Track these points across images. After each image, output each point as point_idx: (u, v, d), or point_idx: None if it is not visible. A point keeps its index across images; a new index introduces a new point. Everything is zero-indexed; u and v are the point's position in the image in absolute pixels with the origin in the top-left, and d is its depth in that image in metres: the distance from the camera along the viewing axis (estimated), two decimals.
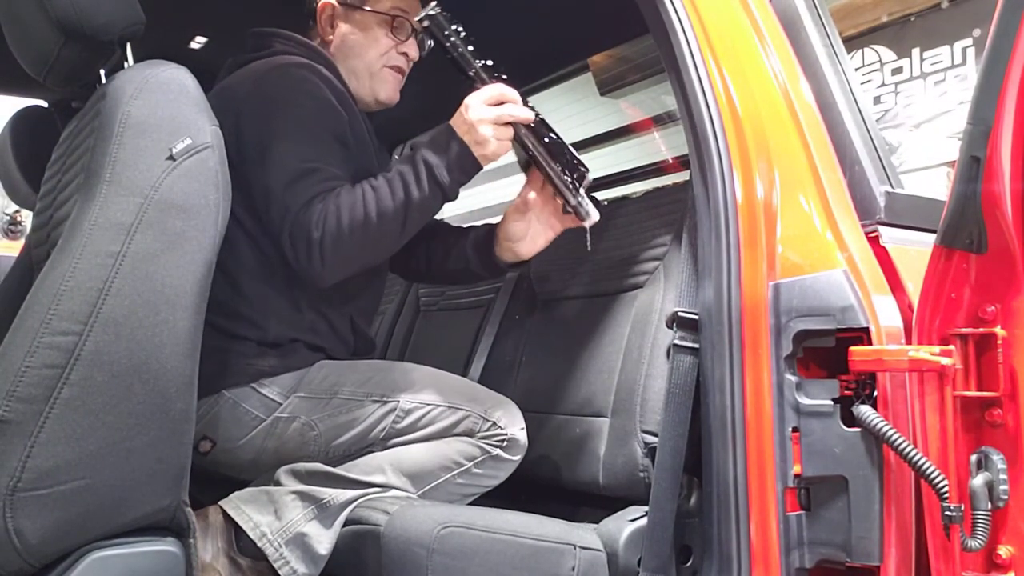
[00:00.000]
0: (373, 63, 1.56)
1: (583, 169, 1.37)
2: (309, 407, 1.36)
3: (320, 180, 1.33)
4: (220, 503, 1.31)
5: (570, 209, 1.39)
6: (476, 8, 1.85)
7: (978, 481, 1.04)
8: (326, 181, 1.33)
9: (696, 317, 1.28)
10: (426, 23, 1.36)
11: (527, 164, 1.43)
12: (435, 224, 1.65)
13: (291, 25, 1.57)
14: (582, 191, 1.38)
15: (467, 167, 1.34)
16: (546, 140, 1.37)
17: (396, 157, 2.66)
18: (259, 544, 1.26)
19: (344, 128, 1.42)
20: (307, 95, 1.39)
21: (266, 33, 1.54)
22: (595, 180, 2.24)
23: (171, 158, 1.01)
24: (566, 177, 1.37)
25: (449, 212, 1.69)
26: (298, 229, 1.29)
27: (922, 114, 3.87)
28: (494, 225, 1.52)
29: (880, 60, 4.03)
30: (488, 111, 1.32)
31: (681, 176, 1.82)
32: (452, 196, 1.35)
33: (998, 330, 1.05)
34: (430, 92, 2.33)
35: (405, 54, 1.59)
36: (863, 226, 1.24)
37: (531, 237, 1.47)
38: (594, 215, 1.40)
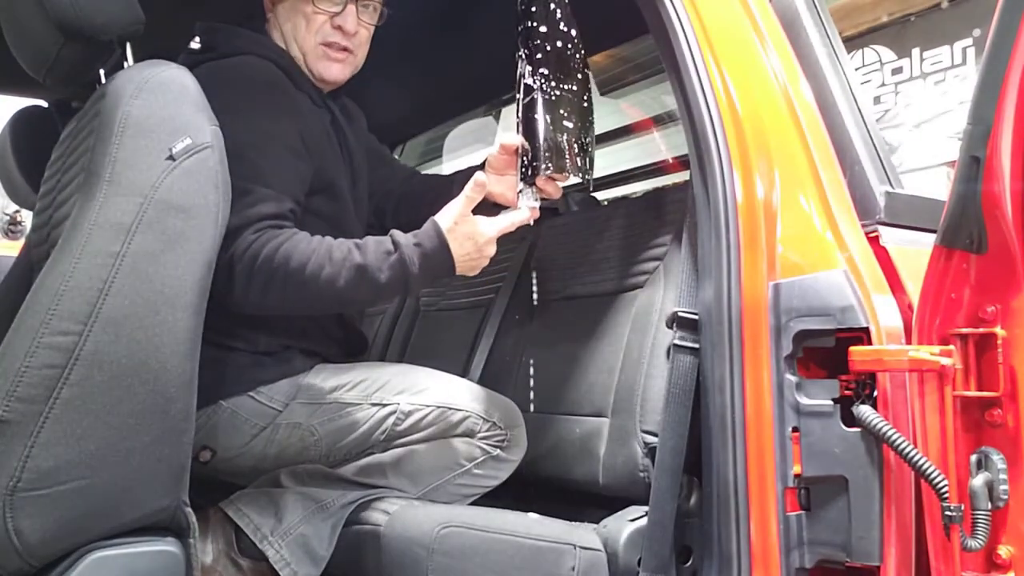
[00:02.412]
0: (305, 42, 1.46)
1: (536, 164, 1.33)
2: (309, 412, 1.35)
3: (261, 201, 1.26)
4: (220, 504, 1.31)
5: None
6: (477, 8, 1.86)
7: (978, 481, 1.04)
8: (268, 203, 1.27)
9: (696, 317, 1.28)
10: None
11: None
12: (424, 179, 1.72)
13: None
14: (531, 185, 1.36)
15: (441, 276, 1.30)
16: (535, 117, 1.34)
17: (396, 156, 2.66)
18: (260, 545, 1.26)
19: (294, 137, 1.35)
20: (252, 106, 1.32)
21: (213, 29, 1.46)
22: (596, 180, 2.25)
23: (171, 158, 1.01)
24: (525, 159, 1.37)
25: None
26: (233, 252, 1.22)
27: (922, 114, 3.87)
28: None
29: (880, 60, 4.02)
30: (496, 232, 1.30)
31: (681, 176, 1.83)
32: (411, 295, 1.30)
33: (998, 330, 1.05)
34: (430, 91, 2.33)
35: (340, 27, 1.46)
36: (863, 226, 1.24)
37: (507, 180, 1.44)
38: (522, 204, 1.36)
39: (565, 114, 1.38)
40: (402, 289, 1.29)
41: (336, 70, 1.48)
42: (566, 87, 1.40)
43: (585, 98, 1.43)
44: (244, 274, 1.23)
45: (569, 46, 1.41)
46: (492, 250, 1.30)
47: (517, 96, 1.40)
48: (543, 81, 1.36)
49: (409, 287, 1.28)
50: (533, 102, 1.36)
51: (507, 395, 1.48)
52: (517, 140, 1.39)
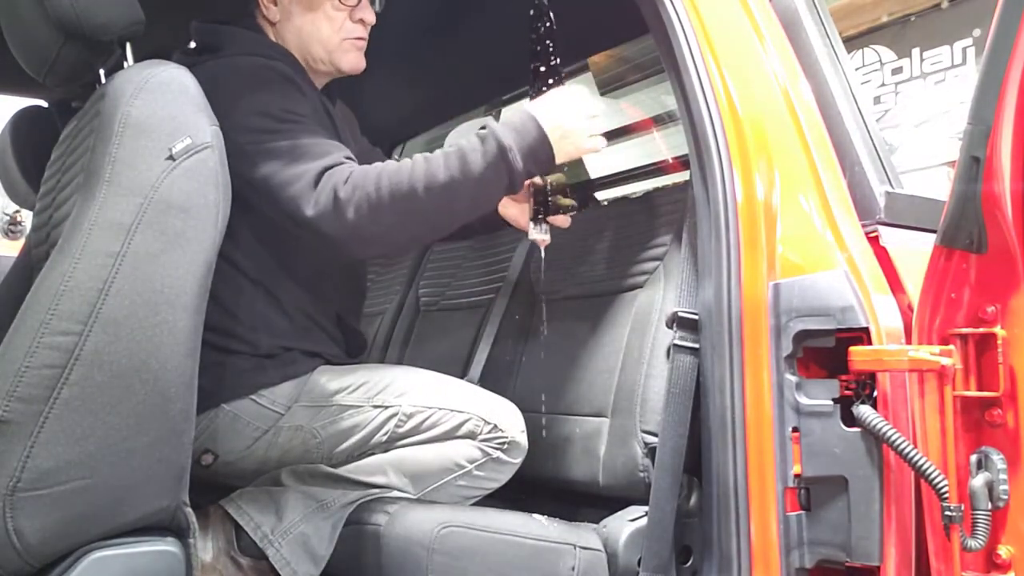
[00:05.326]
0: (329, 40, 1.47)
1: (542, 217, 1.42)
2: (310, 415, 1.35)
3: (325, 152, 1.28)
4: (221, 503, 1.31)
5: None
6: (476, 9, 1.86)
7: (978, 481, 1.05)
8: (332, 153, 1.29)
9: (696, 317, 1.28)
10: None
11: None
12: None
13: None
14: (541, 224, 1.43)
15: (543, 162, 1.29)
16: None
17: (396, 158, 2.66)
18: (260, 544, 1.26)
19: (317, 121, 1.37)
20: (275, 94, 1.33)
21: (210, 29, 1.45)
22: (596, 180, 2.26)
23: (171, 158, 1.01)
24: (536, 198, 1.43)
25: None
26: (324, 191, 1.23)
27: (922, 114, 3.88)
28: None
29: (880, 60, 4.03)
30: (589, 124, 1.32)
31: (681, 176, 1.83)
32: (517, 187, 1.29)
33: (998, 330, 1.05)
34: (431, 91, 2.33)
35: (361, 20, 1.49)
36: (863, 226, 1.24)
37: (520, 207, 1.55)
38: (533, 235, 1.43)
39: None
40: (505, 175, 1.26)
41: (359, 60, 1.52)
42: None
43: None
44: (346, 208, 1.22)
45: None
46: (589, 124, 1.31)
47: None
48: None
49: (512, 169, 1.26)
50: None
51: (507, 395, 1.48)
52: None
